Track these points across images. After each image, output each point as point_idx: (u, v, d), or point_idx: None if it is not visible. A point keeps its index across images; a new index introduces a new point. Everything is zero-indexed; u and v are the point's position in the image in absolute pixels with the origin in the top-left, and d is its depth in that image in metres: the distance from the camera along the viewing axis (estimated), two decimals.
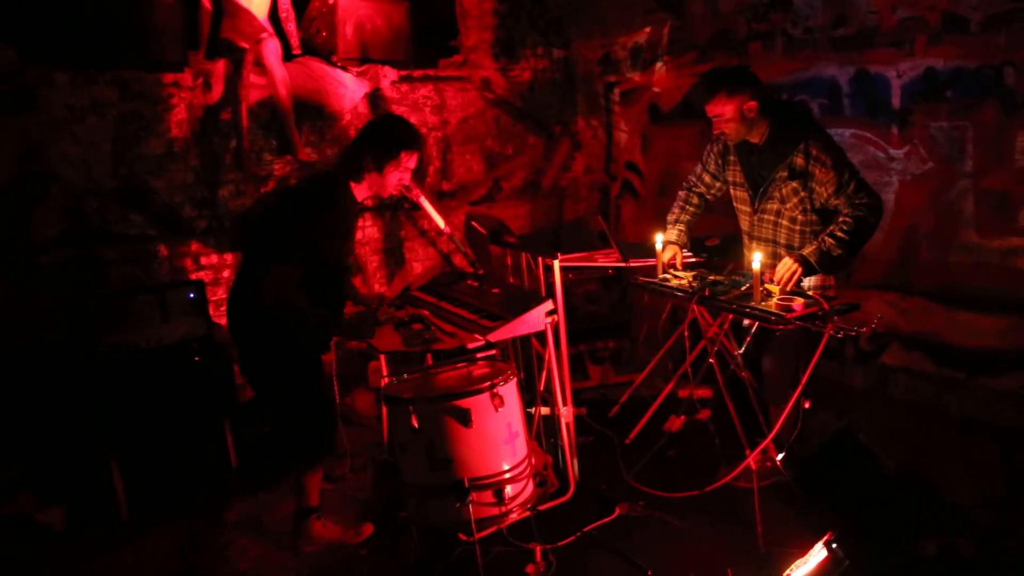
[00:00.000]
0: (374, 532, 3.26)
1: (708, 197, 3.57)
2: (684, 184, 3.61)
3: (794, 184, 3.10)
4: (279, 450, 3.49)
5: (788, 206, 3.16)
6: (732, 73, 3.19)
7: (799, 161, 3.06)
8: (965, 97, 3.79)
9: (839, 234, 2.95)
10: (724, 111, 3.10)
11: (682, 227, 3.54)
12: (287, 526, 3.26)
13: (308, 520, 3.17)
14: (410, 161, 3.04)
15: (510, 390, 2.81)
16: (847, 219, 2.96)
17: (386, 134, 3.02)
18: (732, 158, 3.33)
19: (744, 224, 3.41)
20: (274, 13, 4.52)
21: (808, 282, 3.13)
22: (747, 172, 3.29)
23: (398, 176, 3.04)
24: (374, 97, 4.97)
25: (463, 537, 2.96)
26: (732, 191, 3.42)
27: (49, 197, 3.88)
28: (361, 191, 3.05)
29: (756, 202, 3.27)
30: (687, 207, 3.57)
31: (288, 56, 4.58)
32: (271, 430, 3.61)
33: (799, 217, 3.15)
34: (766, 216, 3.25)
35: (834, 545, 2.50)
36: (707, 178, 3.51)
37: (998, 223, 3.79)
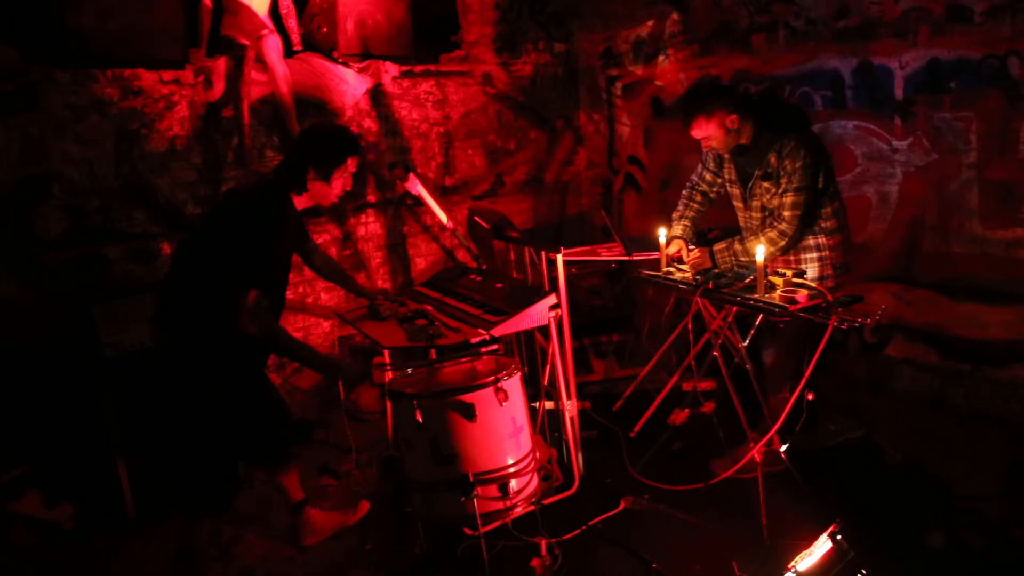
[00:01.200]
0: (382, 527, 3.27)
1: (711, 194, 3.58)
2: (688, 183, 3.63)
3: (767, 184, 3.17)
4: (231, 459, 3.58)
5: (766, 201, 3.22)
6: (705, 95, 3.22)
7: (772, 160, 3.12)
8: (969, 88, 3.77)
9: (749, 247, 3.10)
10: (707, 133, 3.16)
11: (687, 223, 3.56)
12: None
13: (303, 513, 3.19)
14: (353, 165, 3.07)
15: (514, 384, 2.81)
16: (762, 238, 3.10)
17: (330, 142, 3.03)
18: (726, 155, 3.38)
19: (740, 220, 3.44)
20: (275, 9, 4.52)
21: (811, 273, 3.17)
22: (738, 170, 3.34)
23: (342, 182, 3.06)
24: (375, 93, 4.96)
25: (468, 531, 2.97)
26: (728, 188, 3.46)
27: (52, 196, 3.88)
28: (302, 202, 3.05)
29: (746, 199, 3.32)
30: (691, 204, 3.59)
31: (289, 52, 4.58)
32: (216, 442, 3.57)
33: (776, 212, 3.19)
34: (755, 213, 3.31)
35: (839, 536, 2.49)
36: (708, 176, 3.54)
37: (1002, 214, 3.78)
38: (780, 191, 3.11)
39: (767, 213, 3.24)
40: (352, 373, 3.08)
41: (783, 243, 3.11)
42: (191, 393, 3.22)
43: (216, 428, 3.38)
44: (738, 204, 3.42)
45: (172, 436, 3.62)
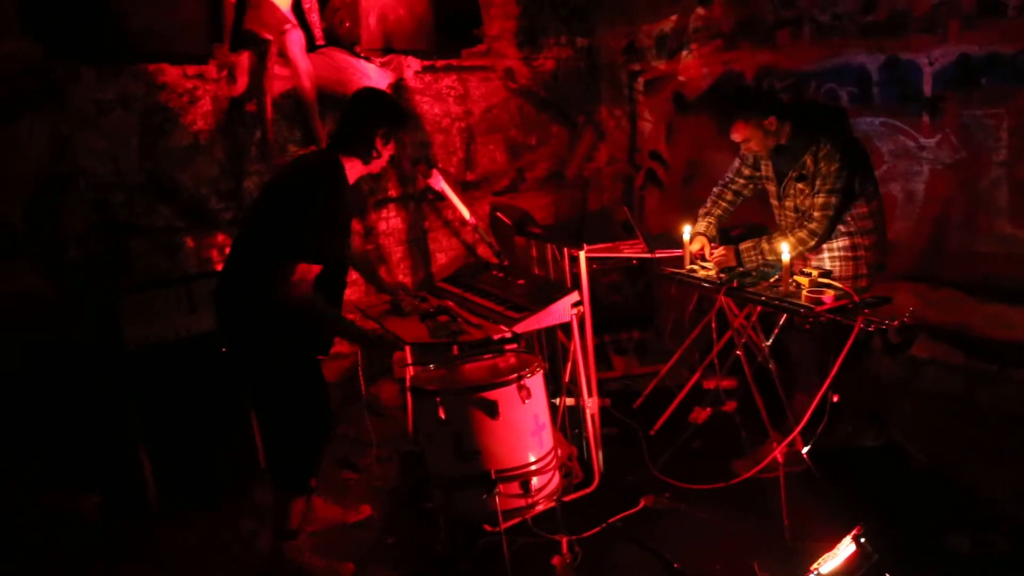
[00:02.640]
0: (402, 522, 3.29)
1: (744, 192, 3.59)
2: (720, 180, 3.63)
3: (800, 186, 3.18)
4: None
5: (799, 202, 3.23)
6: (743, 98, 3.34)
7: (808, 163, 3.14)
8: (1000, 84, 3.71)
9: (777, 246, 3.10)
10: (746, 135, 3.20)
11: (712, 220, 3.56)
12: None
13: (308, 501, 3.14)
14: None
15: (537, 382, 2.81)
16: (789, 238, 3.11)
17: (393, 107, 2.97)
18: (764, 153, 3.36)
19: (776, 217, 3.46)
20: (297, 4, 4.52)
21: (837, 269, 3.19)
22: (775, 167, 3.35)
23: (393, 148, 2.97)
24: (397, 88, 4.96)
25: (489, 528, 2.97)
26: (765, 184, 3.47)
27: (77, 191, 3.91)
28: (357, 171, 2.90)
29: (780, 198, 3.34)
30: (719, 202, 3.59)
31: (311, 47, 4.58)
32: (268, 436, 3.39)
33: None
34: (788, 212, 3.32)
35: (863, 539, 2.47)
36: (747, 171, 3.54)
37: None
38: (813, 192, 3.12)
39: (799, 213, 3.24)
40: (386, 345, 3.02)
41: (812, 243, 3.13)
42: (240, 380, 3.10)
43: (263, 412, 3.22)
44: (774, 202, 3.44)
45: (197, 429, 3.66)
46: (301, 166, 3.07)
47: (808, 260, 3.29)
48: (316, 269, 2.69)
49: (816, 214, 3.11)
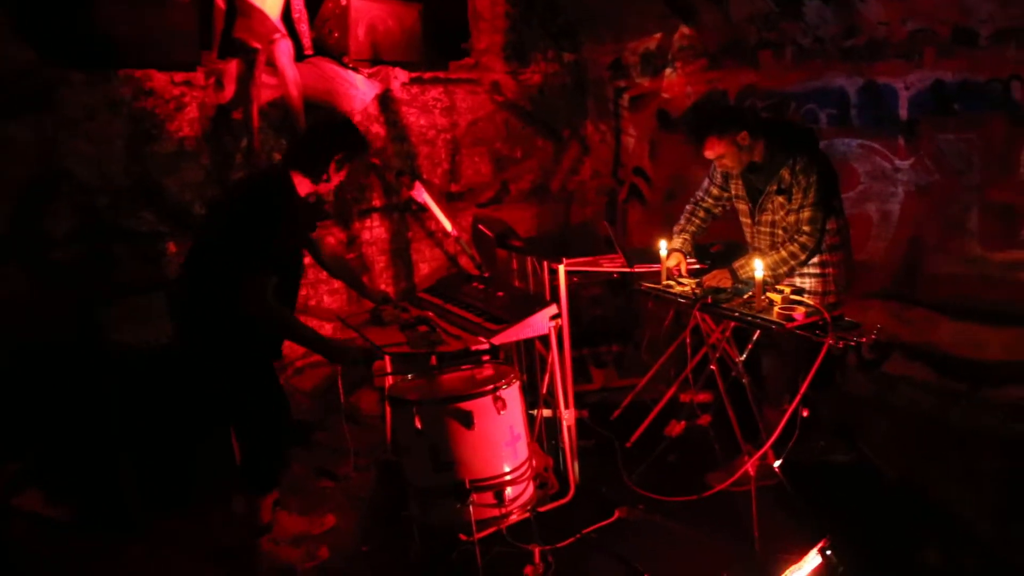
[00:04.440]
0: (378, 531, 3.31)
1: (715, 211, 3.65)
2: (692, 198, 3.69)
3: (780, 199, 3.23)
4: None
5: (778, 217, 3.27)
6: (716, 115, 3.34)
7: (786, 176, 3.18)
8: (973, 110, 3.80)
9: (768, 263, 3.15)
10: (720, 151, 3.23)
11: (687, 236, 3.62)
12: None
13: (274, 512, 3.20)
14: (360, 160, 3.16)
15: (513, 393, 2.85)
16: (781, 252, 3.17)
17: (353, 136, 3.09)
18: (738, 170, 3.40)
19: (746, 235, 3.51)
20: (287, 13, 4.55)
21: (807, 286, 3.25)
22: (747, 186, 3.40)
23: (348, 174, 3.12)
24: (384, 99, 5.00)
25: (463, 537, 2.99)
26: (735, 203, 3.53)
27: (62, 194, 3.91)
28: (305, 188, 3.01)
29: (754, 215, 3.37)
30: (693, 219, 3.65)
31: (300, 56, 4.61)
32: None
33: (792, 227, 3.23)
34: (763, 228, 3.36)
35: (828, 551, 2.52)
36: (715, 191, 3.59)
37: (1003, 236, 3.80)
38: (797, 207, 3.16)
39: (775, 228, 3.29)
40: (351, 358, 3.12)
41: (803, 256, 3.16)
42: (201, 388, 3.22)
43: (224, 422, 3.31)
44: (745, 220, 3.48)
45: (175, 436, 3.66)
46: (251, 181, 3.22)
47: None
48: (273, 280, 2.82)
49: (806, 228, 3.15)
